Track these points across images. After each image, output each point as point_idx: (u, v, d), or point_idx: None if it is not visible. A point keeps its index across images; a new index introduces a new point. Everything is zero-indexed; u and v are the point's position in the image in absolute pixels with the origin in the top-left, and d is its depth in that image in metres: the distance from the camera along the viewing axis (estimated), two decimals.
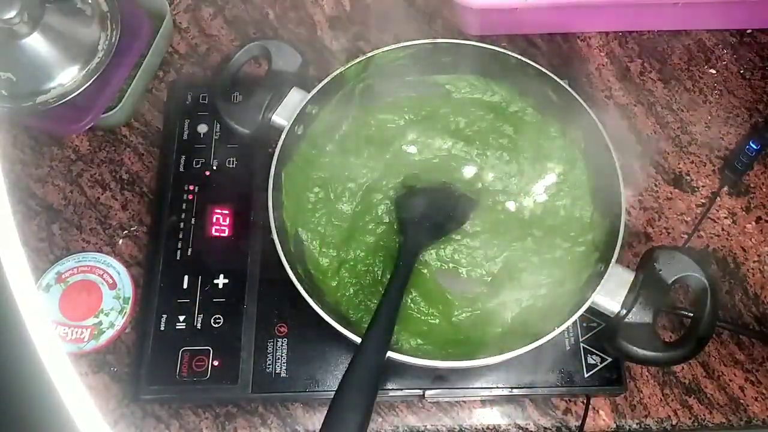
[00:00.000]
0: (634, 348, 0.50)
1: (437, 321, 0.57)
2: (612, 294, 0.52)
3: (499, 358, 0.49)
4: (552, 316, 0.55)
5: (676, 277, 0.52)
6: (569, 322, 0.50)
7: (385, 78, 0.62)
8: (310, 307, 0.50)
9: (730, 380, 0.60)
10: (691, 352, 0.51)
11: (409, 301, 0.58)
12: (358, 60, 0.60)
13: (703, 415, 0.59)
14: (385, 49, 0.60)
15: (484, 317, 0.58)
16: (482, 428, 0.58)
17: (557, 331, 0.50)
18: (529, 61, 0.60)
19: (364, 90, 0.62)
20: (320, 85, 0.59)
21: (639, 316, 0.51)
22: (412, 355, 0.49)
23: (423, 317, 0.57)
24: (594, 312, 0.53)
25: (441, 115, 0.64)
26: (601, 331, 0.57)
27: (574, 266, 0.58)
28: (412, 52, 0.61)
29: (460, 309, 0.58)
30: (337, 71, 0.59)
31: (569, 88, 0.59)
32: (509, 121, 0.64)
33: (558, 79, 0.59)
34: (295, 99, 0.59)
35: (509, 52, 0.60)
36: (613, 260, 0.52)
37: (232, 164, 0.64)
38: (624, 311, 0.51)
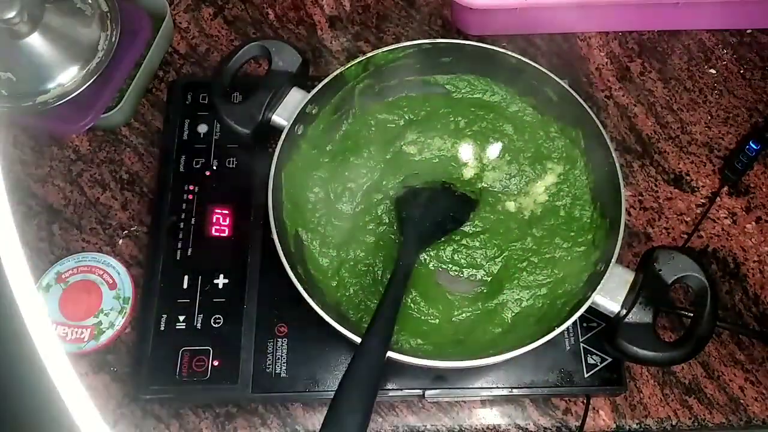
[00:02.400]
0: (634, 348, 0.50)
1: (437, 321, 0.57)
2: (612, 294, 0.52)
3: (499, 358, 0.49)
4: (552, 316, 0.55)
5: (676, 277, 0.52)
6: (569, 322, 0.50)
7: (385, 78, 0.63)
8: (310, 307, 0.50)
9: (730, 380, 0.60)
10: (691, 352, 0.51)
11: (409, 301, 0.58)
12: (358, 60, 0.60)
13: (703, 415, 0.59)
14: (385, 49, 0.60)
15: (484, 317, 0.58)
16: (482, 428, 0.58)
17: (557, 331, 0.50)
18: (529, 61, 0.60)
19: (364, 90, 0.62)
20: (320, 85, 0.59)
21: (639, 316, 0.51)
22: (412, 355, 0.49)
23: (423, 317, 0.57)
24: (594, 312, 0.53)
25: (441, 115, 0.64)
26: (601, 331, 0.57)
27: (574, 266, 0.58)
28: (412, 52, 0.61)
29: (460, 309, 0.58)
30: (337, 71, 0.59)
31: (569, 88, 0.59)
32: (509, 121, 0.64)
33: (558, 79, 0.59)
34: (295, 99, 0.59)
35: (509, 52, 0.60)
36: (613, 260, 0.52)
37: (232, 164, 0.64)
38: (624, 311, 0.51)
